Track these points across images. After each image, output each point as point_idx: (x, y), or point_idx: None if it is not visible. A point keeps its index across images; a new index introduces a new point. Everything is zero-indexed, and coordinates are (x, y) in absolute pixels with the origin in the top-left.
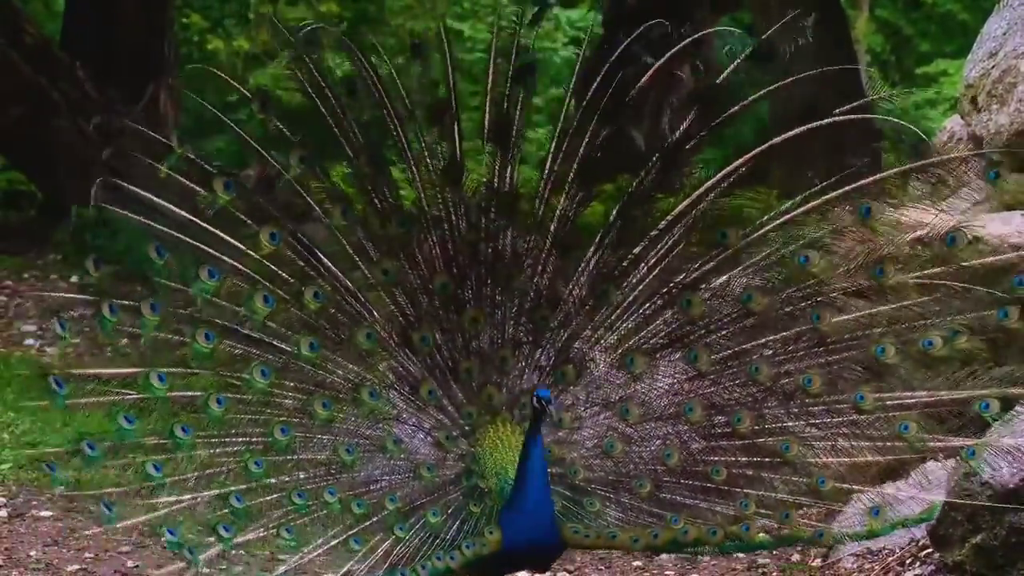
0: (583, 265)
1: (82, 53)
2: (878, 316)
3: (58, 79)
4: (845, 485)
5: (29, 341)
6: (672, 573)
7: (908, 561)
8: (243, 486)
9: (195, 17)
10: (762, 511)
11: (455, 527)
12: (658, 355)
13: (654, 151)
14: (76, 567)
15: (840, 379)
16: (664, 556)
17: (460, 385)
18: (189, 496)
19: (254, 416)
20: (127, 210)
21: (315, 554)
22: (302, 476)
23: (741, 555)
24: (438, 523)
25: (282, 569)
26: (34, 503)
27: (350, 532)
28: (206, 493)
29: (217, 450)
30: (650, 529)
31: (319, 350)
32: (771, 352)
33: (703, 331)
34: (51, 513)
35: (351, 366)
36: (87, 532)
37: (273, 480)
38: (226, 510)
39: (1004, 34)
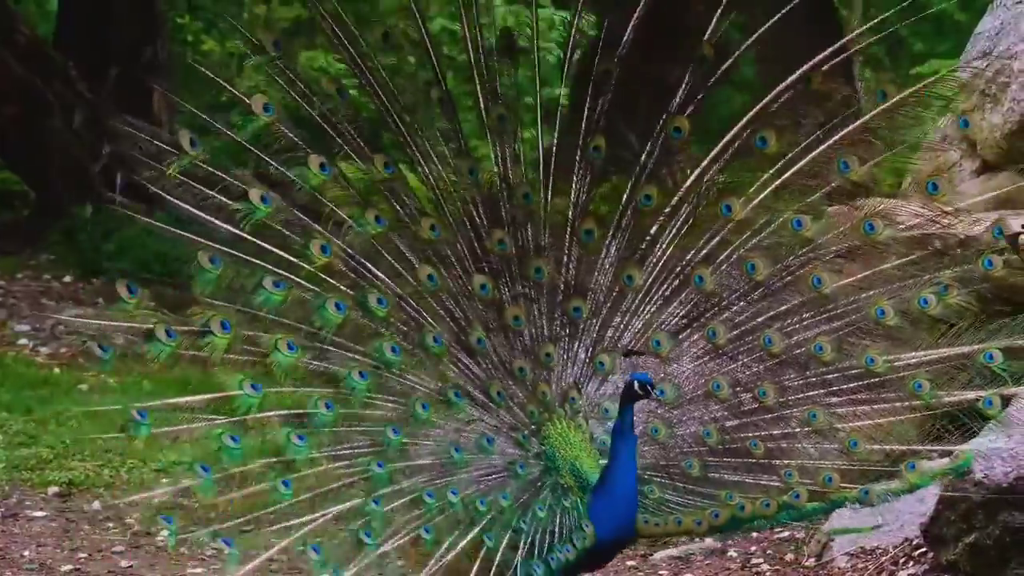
0: (604, 252)
1: (76, 53)
2: (873, 276)
3: (51, 79)
4: (876, 446)
5: (23, 341)
6: (666, 572)
7: (902, 560)
8: (380, 490)
9: (189, 18)
10: (805, 479)
11: (559, 521)
12: (680, 336)
13: (653, 127)
14: (69, 567)
15: (848, 344)
16: (657, 556)
17: (519, 384)
18: (318, 513)
19: (361, 421)
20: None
21: (452, 554)
22: (422, 479)
23: (734, 554)
24: (546, 518)
25: (428, 570)
26: (27, 503)
27: (477, 529)
28: (336, 507)
29: (336, 463)
30: (709, 510)
31: (400, 354)
32: (780, 323)
33: (717, 307)
34: (45, 513)
35: (430, 370)
36: (80, 532)
37: (398, 485)
38: (363, 519)
39: (997, 34)
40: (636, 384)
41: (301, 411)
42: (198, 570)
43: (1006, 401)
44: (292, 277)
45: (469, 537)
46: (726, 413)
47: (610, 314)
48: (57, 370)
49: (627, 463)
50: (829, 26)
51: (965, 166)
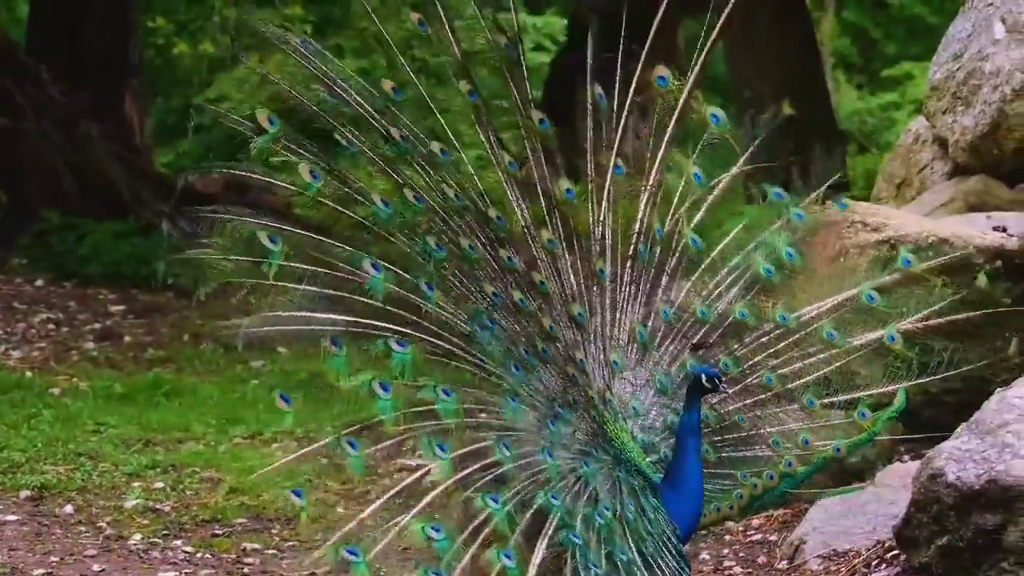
0: (560, 252)
1: (48, 58)
2: (739, 234)
3: (24, 83)
4: (827, 399)
5: None
6: None
7: (874, 563)
8: (571, 525)
9: (161, 21)
10: (788, 444)
11: (660, 526)
12: (645, 320)
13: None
14: (42, 571)
15: (760, 306)
16: None
17: (577, 391)
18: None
19: (524, 458)
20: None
21: None
22: (568, 500)
23: (707, 557)
24: (655, 520)
25: None
26: None
27: (636, 545)
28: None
29: (524, 515)
30: (735, 491)
31: (522, 371)
32: (700, 294)
33: (656, 281)
34: (17, 517)
35: (539, 386)
36: (53, 535)
37: (579, 513)
38: (570, 552)
39: (968, 36)
40: (704, 378)
41: (490, 460)
42: (170, 574)
43: (906, 337)
44: (419, 330)
45: (637, 554)
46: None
47: (603, 311)
48: (29, 374)
49: (695, 459)
50: (803, 27)
51: (937, 168)
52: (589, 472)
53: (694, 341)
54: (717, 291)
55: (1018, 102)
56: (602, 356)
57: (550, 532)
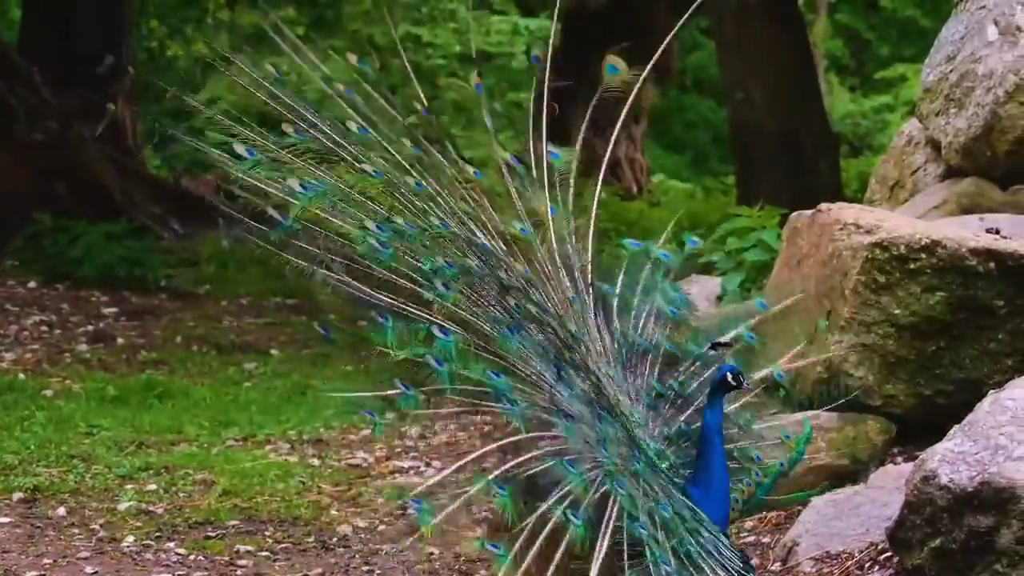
0: (540, 279)
1: (41, 59)
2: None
3: (15, 85)
4: (758, 424)
5: None
6: None
7: (867, 565)
8: (644, 528)
9: (154, 23)
10: (746, 458)
11: (707, 524)
12: (615, 343)
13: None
14: (35, 573)
15: (677, 339)
16: None
17: (604, 397)
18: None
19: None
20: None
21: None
22: (632, 490)
23: None
24: (702, 518)
25: None
26: None
27: (696, 540)
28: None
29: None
30: (732, 495)
31: (563, 374)
32: (629, 324)
33: (622, 301)
34: (9, 519)
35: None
36: (45, 538)
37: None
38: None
39: (962, 38)
40: (730, 375)
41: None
42: None
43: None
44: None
45: (700, 547)
46: (675, 410)
47: (589, 330)
48: (22, 376)
49: (722, 458)
50: (795, 28)
51: (930, 170)
52: (640, 469)
53: (715, 340)
54: (640, 325)
55: (1011, 104)
56: (605, 369)
57: (614, 515)
